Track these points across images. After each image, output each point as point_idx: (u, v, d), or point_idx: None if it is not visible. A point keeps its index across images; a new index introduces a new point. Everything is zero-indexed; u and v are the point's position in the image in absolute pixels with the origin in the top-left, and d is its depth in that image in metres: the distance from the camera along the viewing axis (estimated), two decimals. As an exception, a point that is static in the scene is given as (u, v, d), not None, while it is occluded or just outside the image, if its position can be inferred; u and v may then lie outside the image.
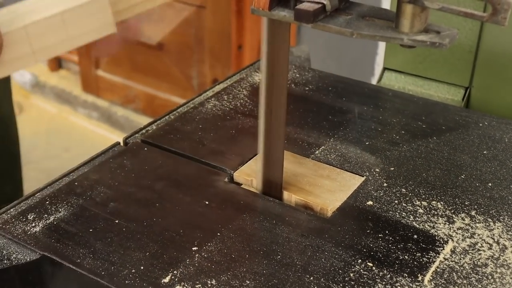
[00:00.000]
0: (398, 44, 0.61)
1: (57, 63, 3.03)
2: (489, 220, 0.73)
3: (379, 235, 0.70)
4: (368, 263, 0.66)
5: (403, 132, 0.89)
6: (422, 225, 0.72)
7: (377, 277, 0.64)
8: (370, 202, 0.75)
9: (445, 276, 0.65)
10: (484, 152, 0.85)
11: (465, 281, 0.64)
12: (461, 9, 0.57)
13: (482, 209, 0.74)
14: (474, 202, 0.75)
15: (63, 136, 2.60)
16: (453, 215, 0.73)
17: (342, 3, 0.64)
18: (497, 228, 0.71)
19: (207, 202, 0.75)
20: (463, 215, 0.73)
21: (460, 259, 0.67)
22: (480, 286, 0.64)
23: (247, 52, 2.29)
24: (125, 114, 2.74)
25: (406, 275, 0.65)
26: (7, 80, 1.22)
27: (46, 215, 0.72)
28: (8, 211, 0.73)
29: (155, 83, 2.59)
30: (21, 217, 0.72)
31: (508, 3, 0.54)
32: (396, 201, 0.75)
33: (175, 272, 0.64)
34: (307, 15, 0.61)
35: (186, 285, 0.63)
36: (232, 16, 2.25)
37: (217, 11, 2.30)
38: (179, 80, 2.53)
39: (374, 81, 1.10)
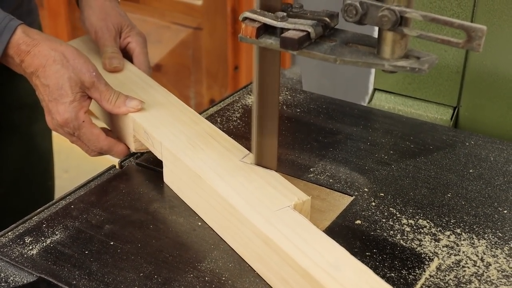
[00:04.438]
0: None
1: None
2: (474, 237, 0.75)
3: (367, 253, 0.72)
4: (355, 281, 0.68)
5: (391, 152, 0.92)
6: (409, 243, 0.74)
7: (364, 294, 0.66)
8: (358, 221, 0.77)
9: (430, 293, 0.67)
10: (470, 170, 0.87)
11: (449, 298, 0.66)
12: (438, 36, 0.59)
13: (467, 227, 0.76)
14: (460, 220, 0.78)
15: (63, 157, 2.62)
16: (439, 233, 0.75)
17: (327, 30, 0.67)
18: (482, 246, 0.73)
19: (200, 224, 0.77)
20: (448, 232, 0.75)
21: (445, 276, 0.69)
22: (464, 302, 0.66)
23: (243, 72, 2.32)
24: (124, 135, 2.76)
25: (393, 292, 0.66)
26: None
27: (42, 238, 0.74)
28: (6, 234, 0.75)
29: (153, 104, 2.61)
30: (18, 240, 0.74)
31: (482, 31, 0.56)
32: (383, 220, 0.77)
33: (168, 292, 0.66)
34: (292, 43, 0.64)
35: (178, 304, 0.65)
36: (228, 38, 2.29)
37: (214, 32, 2.33)
38: (177, 101, 2.56)
39: (367, 101, 1.12)
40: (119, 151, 0.90)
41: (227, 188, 0.74)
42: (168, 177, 0.84)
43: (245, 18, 0.67)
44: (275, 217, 0.69)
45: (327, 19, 0.66)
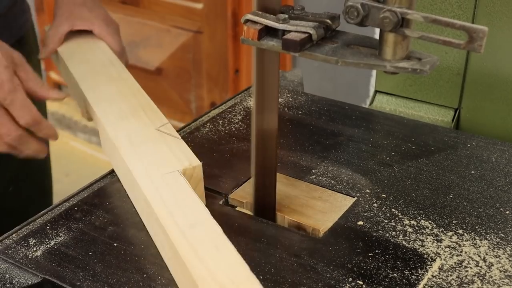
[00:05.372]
0: (385, 69, 0.64)
1: (57, 89, 3.07)
2: (476, 238, 0.75)
3: (369, 254, 0.72)
4: (358, 281, 0.68)
5: (393, 153, 0.92)
6: (411, 243, 0.74)
7: (367, 295, 0.66)
8: (360, 222, 0.77)
9: (433, 293, 0.67)
10: (472, 172, 0.88)
11: (452, 298, 0.66)
12: (440, 37, 0.60)
13: (469, 228, 0.77)
14: (462, 221, 0.78)
15: (64, 161, 2.62)
16: (441, 234, 0.76)
17: (328, 32, 0.67)
18: (484, 246, 0.74)
19: (202, 225, 0.77)
20: (450, 233, 0.76)
21: (448, 276, 0.69)
22: (466, 302, 0.66)
23: (244, 76, 2.33)
24: (125, 138, 2.76)
25: (395, 292, 0.67)
26: (44, 115, 1.26)
27: (46, 240, 0.74)
28: (10, 236, 0.75)
29: (154, 107, 2.62)
30: (22, 242, 0.74)
31: (483, 31, 0.57)
32: (386, 221, 0.78)
33: (171, 293, 0.67)
34: (294, 45, 0.64)
35: (182, 305, 0.65)
36: (228, 41, 2.29)
37: (214, 36, 2.34)
38: (177, 104, 2.57)
39: (368, 103, 1.13)
40: (48, 127, 0.90)
41: (131, 153, 0.80)
42: (103, 147, 0.92)
43: (247, 20, 0.68)
44: (161, 179, 0.75)
45: (328, 21, 0.66)
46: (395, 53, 0.62)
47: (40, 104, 1.24)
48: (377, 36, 0.65)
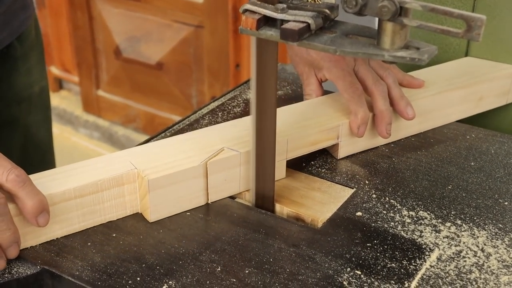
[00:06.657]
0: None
1: (58, 84, 3.07)
2: (474, 228, 0.75)
3: (368, 244, 0.72)
4: (356, 271, 0.68)
5: (392, 145, 0.92)
6: (410, 234, 0.74)
7: (365, 284, 0.66)
8: (359, 213, 0.78)
9: (431, 282, 0.67)
10: (471, 163, 0.88)
11: (450, 287, 0.66)
12: (438, 27, 0.60)
13: (467, 218, 0.77)
14: (460, 212, 0.78)
15: (65, 156, 2.63)
16: (440, 224, 0.76)
17: (327, 22, 0.67)
18: (482, 236, 0.74)
19: (201, 215, 0.77)
20: (449, 224, 0.76)
21: (446, 266, 0.69)
22: (464, 291, 0.66)
23: (245, 70, 2.33)
24: (126, 133, 2.77)
25: (394, 282, 0.67)
26: (47, 106, 1.26)
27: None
28: (10, 227, 0.75)
29: (155, 102, 2.63)
30: (22, 232, 0.74)
31: (481, 20, 0.57)
32: (384, 212, 0.78)
33: (170, 282, 0.67)
34: (292, 34, 0.64)
35: (180, 294, 0.65)
36: (229, 36, 2.29)
37: (215, 31, 2.33)
38: (178, 99, 2.57)
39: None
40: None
41: None
42: None
43: (246, 10, 0.68)
44: None
45: (327, 11, 0.66)
46: (393, 43, 0.62)
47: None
48: (375, 26, 0.65)
